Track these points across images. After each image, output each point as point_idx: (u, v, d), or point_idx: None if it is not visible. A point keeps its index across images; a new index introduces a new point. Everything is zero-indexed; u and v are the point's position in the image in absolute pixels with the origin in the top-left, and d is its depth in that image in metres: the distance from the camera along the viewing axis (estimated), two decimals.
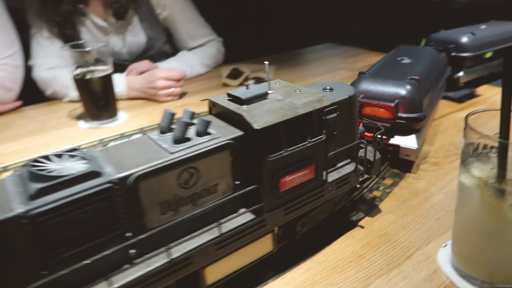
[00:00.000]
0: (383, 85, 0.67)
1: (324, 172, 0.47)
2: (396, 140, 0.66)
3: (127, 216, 0.35)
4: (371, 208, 0.58)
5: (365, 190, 0.62)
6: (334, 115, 0.46)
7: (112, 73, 0.92)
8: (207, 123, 0.40)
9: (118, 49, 1.22)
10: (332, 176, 0.49)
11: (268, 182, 0.41)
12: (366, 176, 0.53)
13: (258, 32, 2.05)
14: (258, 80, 1.16)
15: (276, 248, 0.46)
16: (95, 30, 1.18)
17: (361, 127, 0.54)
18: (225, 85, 1.17)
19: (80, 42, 1.00)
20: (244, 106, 0.42)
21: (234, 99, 0.44)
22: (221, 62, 1.37)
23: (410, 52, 0.85)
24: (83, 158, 0.35)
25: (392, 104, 0.64)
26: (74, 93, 1.02)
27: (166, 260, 0.36)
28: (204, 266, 0.40)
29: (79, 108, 1.01)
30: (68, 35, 1.13)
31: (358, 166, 0.51)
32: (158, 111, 1.01)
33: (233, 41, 1.43)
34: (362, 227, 0.55)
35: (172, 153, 0.37)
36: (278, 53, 1.52)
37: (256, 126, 0.39)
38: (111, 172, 0.34)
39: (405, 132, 0.66)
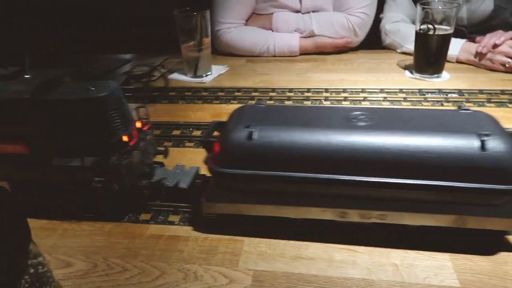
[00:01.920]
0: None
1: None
2: None
3: None
4: None
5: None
6: (62, 110, 0.52)
7: (451, 35, 0.99)
8: None
9: (459, 14, 1.25)
10: (62, 163, 0.54)
11: None
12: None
13: None
14: None
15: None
16: None
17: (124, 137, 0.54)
18: None
19: (431, 1, 1.10)
20: None
21: None
22: None
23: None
24: None
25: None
26: (408, 46, 1.16)
27: None
28: None
29: (407, 60, 1.15)
30: None
31: (84, 163, 0.53)
32: (479, 78, 1.02)
33: None
34: None
35: None
36: None
37: None
38: None
39: None
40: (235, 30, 1.30)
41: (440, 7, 0.98)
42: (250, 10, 1.33)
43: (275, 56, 1.28)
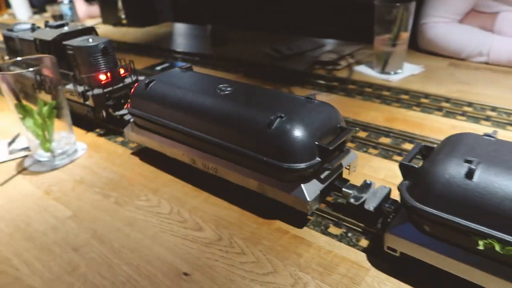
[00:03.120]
0: None
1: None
2: None
3: None
4: None
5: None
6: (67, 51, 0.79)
7: None
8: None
9: None
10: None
11: None
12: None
13: None
14: None
15: None
16: None
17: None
18: None
19: None
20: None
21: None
22: None
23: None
24: None
25: None
26: None
27: None
28: None
29: None
30: None
31: (77, 89, 0.80)
32: None
33: None
34: None
35: None
36: None
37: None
38: None
39: None
40: (444, 26, 1.13)
41: None
42: (469, 5, 1.13)
43: (487, 63, 1.06)
